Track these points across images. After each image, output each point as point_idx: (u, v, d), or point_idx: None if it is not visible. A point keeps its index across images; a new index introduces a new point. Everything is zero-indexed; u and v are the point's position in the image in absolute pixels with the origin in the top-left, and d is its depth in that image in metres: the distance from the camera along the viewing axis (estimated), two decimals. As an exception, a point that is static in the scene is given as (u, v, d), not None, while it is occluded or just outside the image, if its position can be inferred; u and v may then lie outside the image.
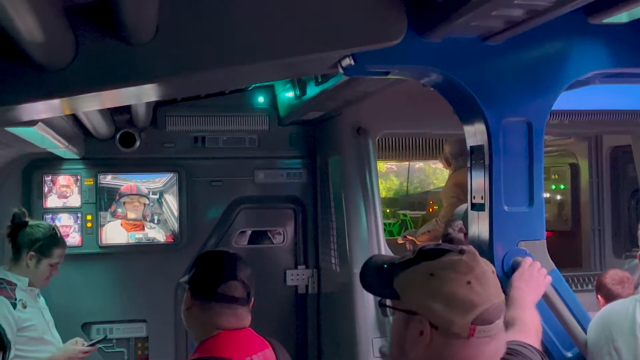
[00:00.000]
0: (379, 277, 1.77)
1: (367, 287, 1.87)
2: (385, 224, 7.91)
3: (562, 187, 6.27)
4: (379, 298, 1.81)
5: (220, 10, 2.38)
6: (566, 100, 3.31)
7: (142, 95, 2.94)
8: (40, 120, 3.13)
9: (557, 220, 6.27)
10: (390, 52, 2.54)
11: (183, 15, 2.36)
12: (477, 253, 1.69)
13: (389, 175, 13.64)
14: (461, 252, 1.67)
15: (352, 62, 2.62)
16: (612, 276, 4.27)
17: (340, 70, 2.75)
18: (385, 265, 1.77)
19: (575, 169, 6.14)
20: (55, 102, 2.44)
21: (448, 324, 1.60)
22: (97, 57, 2.28)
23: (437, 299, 1.61)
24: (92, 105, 3.16)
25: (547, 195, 6.25)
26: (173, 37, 2.35)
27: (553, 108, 2.87)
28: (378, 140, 5.28)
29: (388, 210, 10.16)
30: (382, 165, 12.24)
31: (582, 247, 6.00)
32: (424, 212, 9.30)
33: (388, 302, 1.73)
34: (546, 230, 2.88)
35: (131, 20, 2.12)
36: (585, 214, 6.00)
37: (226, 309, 2.46)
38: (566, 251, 5.81)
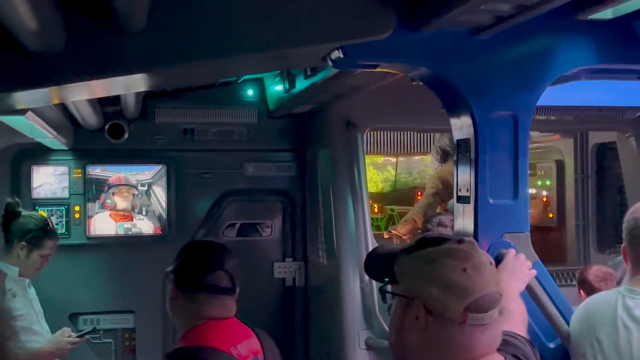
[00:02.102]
0: (382, 263, 1.83)
1: (370, 272, 1.97)
2: (373, 219, 7.94)
3: (547, 183, 6.33)
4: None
5: (211, 1, 2.40)
6: (553, 97, 3.36)
7: (132, 85, 2.95)
8: (30, 109, 3.14)
9: (542, 215, 6.33)
10: (379, 45, 2.56)
11: (174, 6, 2.37)
12: (475, 243, 1.73)
13: (386, 167, 13.57)
14: (460, 241, 1.72)
15: (342, 55, 2.64)
16: (596, 273, 4.30)
17: (330, 63, 2.77)
18: (389, 252, 1.82)
19: (560, 166, 6.20)
20: (46, 90, 2.45)
21: (442, 308, 1.64)
22: (88, 46, 2.28)
23: (433, 284, 1.65)
24: (82, 95, 3.16)
25: (533, 191, 6.31)
26: (164, 28, 2.36)
27: (540, 104, 2.91)
28: (367, 134, 5.31)
29: (376, 206, 10.18)
30: (380, 157, 12.19)
31: (567, 243, 6.07)
32: (411, 207, 9.33)
33: (389, 288, 1.77)
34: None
35: (123, 10, 2.13)
36: (570, 210, 6.06)
37: (212, 299, 2.48)
38: (551, 246, 5.87)
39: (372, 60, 2.76)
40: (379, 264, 1.87)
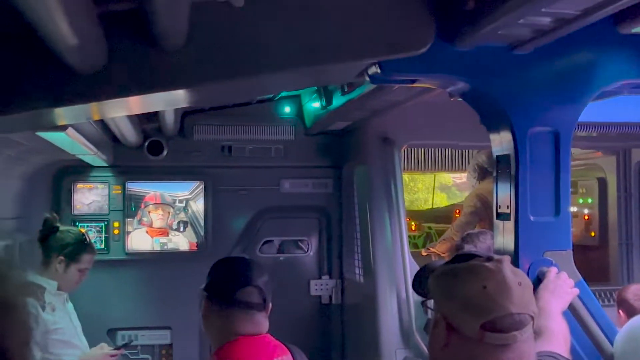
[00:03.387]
0: (424, 278, 1.86)
1: (414, 287, 2.02)
2: (410, 236, 7.88)
3: (589, 201, 6.21)
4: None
5: (249, 19, 2.41)
6: (595, 113, 3.29)
7: (171, 102, 2.98)
8: (70, 125, 3.19)
9: (583, 234, 6.21)
10: (417, 60, 2.55)
11: (213, 24, 2.39)
12: (506, 262, 1.68)
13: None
14: (489, 259, 1.69)
15: (379, 70, 2.63)
16: (635, 292, 4.20)
17: (367, 79, 2.76)
18: (432, 269, 1.84)
19: (603, 183, 6.09)
20: (87, 107, 2.49)
21: (460, 325, 1.62)
22: (128, 63, 2.31)
23: (453, 299, 1.65)
24: (122, 111, 3.20)
25: (574, 209, 6.20)
26: (203, 45, 2.37)
27: (581, 120, 2.86)
28: (404, 150, 5.29)
29: (414, 223, 10.08)
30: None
31: (610, 262, 5.94)
32: (449, 225, 9.24)
33: (430, 302, 1.77)
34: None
35: (163, 28, 2.15)
36: (613, 228, 5.94)
37: (243, 315, 2.47)
38: (593, 265, 5.75)
39: (409, 75, 2.75)
40: (421, 279, 1.91)
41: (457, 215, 9.06)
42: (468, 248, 4.09)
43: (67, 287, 3.83)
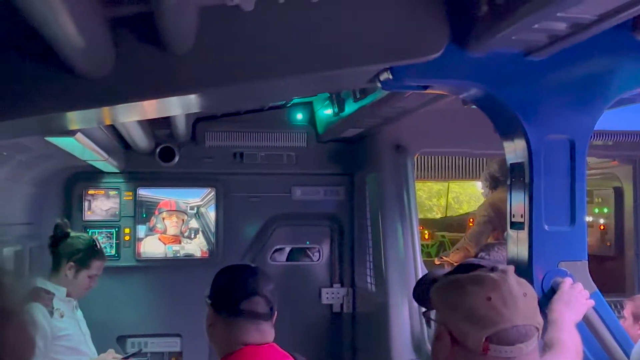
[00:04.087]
0: (424, 288, 1.81)
1: (414, 296, 1.96)
2: (423, 245, 7.83)
3: (605, 210, 6.13)
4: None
5: (259, 22, 2.38)
6: (611, 121, 3.24)
7: (181, 106, 2.96)
8: (79, 130, 3.17)
9: (599, 244, 6.13)
10: (429, 66, 2.51)
11: (223, 28, 2.37)
12: (510, 273, 1.66)
13: None
14: (493, 269, 1.66)
15: (391, 76, 2.60)
16: None
17: (378, 85, 2.73)
18: (434, 278, 1.80)
19: (619, 193, 6.01)
20: (95, 111, 2.47)
21: (464, 337, 1.59)
22: (137, 67, 2.30)
23: (456, 311, 1.61)
24: (132, 115, 3.19)
25: (589, 219, 6.12)
26: (212, 49, 2.36)
27: (597, 128, 2.81)
28: (416, 158, 5.26)
29: (427, 232, 10.03)
30: None
31: (626, 272, 5.85)
32: (462, 234, 9.17)
33: (432, 313, 1.73)
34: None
35: (172, 31, 2.13)
36: (629, 238, 5.86)
37: (249, 325, 2.45)
38: (608, 276, 5.67)
39: (422, 81, 2.70)
40: (422, 289, 1.86)
41: (470, 225, 8.98)
42: (480, 257, 4.04)
43: (76, 293, 3.82)
